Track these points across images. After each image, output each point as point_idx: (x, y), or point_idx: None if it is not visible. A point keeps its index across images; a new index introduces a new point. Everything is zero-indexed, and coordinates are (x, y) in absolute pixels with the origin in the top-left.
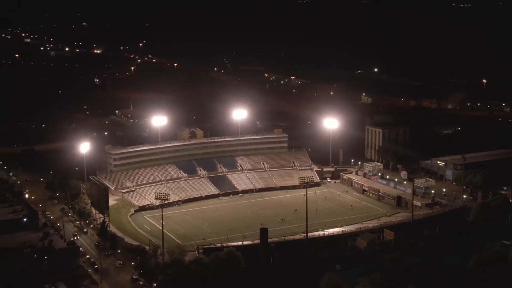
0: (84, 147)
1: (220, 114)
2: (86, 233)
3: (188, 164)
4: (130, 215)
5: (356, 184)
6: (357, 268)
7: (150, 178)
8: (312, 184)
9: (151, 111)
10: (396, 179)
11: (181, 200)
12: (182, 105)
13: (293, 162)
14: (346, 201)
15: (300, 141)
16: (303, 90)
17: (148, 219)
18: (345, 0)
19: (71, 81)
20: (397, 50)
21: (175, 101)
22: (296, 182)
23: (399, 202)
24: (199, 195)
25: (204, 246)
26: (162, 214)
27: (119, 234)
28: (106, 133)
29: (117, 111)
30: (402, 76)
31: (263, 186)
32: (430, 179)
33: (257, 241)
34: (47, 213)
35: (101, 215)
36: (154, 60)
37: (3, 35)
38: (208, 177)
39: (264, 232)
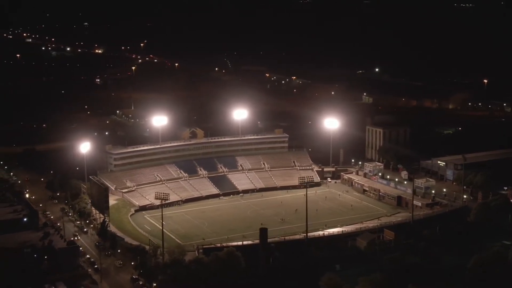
0: (85, 147)
1: (220, 114)
2: (86, 233)
3: (189, 164)
4: (131, 215)
5: (356, 184)
6: (357, 268)
7: (151, 178)
8: (312, 184)
9: (151, 111)
10: (396, 179)
11: (181, 200)
12: (182, 105)
13: (294, 162)
14: (347, 201)
15: (301, 141)
16: (304, 90)
17: (149, 219)
18: (346, 0)
19: (72, 81)
20: (398, 50)
21: (176, 101)
22: (296, 182)
23: (400, 202)
24: (200, 195)
25: (204, 246)
26: (162, 214)
27: (119, 234)
28: (107, 133)
29: (118, 111)
30: (403, 76)
31: (263, 186)
32: (431, 179)
33: (257, 241)
34: (47, 212)
35: (101, 215)
36: (155, 60)
37: (5, 34)
38: (208, 177)
39: (263, 232)
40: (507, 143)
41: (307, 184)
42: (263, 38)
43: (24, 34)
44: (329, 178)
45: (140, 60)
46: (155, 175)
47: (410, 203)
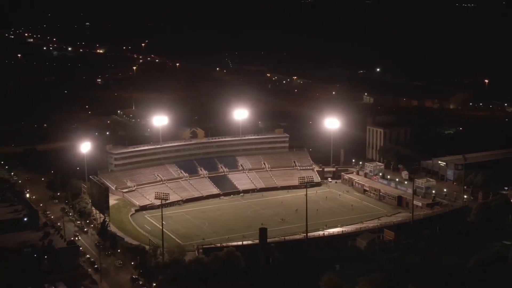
0: (85, 147)
1: (221, 114)
2: (86, 232)
3: (189, 164)
4: (131, 215)
5: (357, 184)
6: (357, 268)
7: (151, 177)
8: (312, 184)
9: (152, 111)
10: (397, 179)
11: (181, 200)
12: (183, 105)
13: (294, 162)
14: (347, 201)
15: (301, 141)
16: (305, 90)
17: (149, 218)
18: (346, 0)
19: (74, 81)
20: (398, 50)
21: (177, 101)
22: (297, 182)
23: (400, 202)
24: (200, 195)
25: (204, 246)
26: (162, 214)
27: (119, 233)
28: (107, 133)
29: (119, 111)
30: (404, 76)
31: (264, 186)
32: (431, 179)
33: (257, 241)
34: (47, 212)
35: (102, 215)
36: (156, 60)
37: (6, 34)
38: (209, 177)
39: (263, 232)
40: (507, 143)
41: (308, 184)
42: (263, 38)
43: (26, 34)
44: (329, 178)
45: (141, 60)
46: (156, 175)
47: (410, 203)
